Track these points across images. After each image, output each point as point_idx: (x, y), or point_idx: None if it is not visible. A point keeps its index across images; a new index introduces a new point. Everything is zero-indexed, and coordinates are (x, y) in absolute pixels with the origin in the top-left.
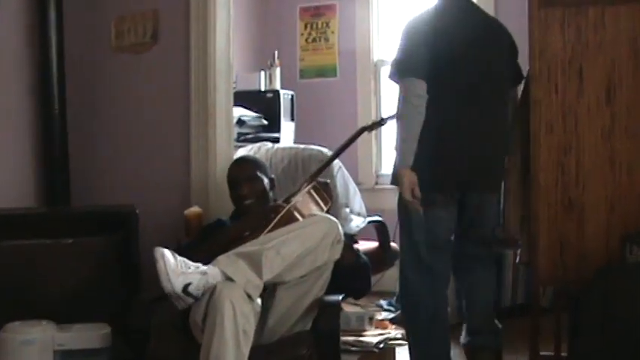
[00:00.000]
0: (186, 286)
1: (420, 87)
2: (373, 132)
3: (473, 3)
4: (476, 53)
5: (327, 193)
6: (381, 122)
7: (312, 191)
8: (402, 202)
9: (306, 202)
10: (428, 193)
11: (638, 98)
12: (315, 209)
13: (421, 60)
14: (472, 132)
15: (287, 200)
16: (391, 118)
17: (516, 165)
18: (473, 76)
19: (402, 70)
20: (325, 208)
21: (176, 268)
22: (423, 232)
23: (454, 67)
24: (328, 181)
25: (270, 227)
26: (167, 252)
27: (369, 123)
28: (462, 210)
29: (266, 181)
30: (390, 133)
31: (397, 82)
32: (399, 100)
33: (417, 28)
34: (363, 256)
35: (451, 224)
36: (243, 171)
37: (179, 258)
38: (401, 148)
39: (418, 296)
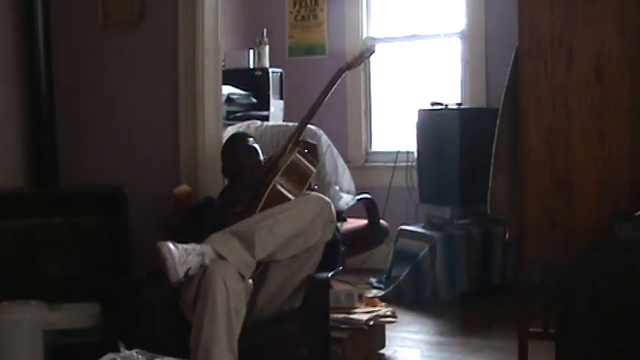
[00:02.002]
0: (186, 272)
1: None
2: (363, 110)
3: None
4: None
5: (312, 153)
6: (366, 54)
7: (299, 156)
8: None
9: (293, 170)
10: None
11: (626, 75)
12: (303, 176)
13: None
14: None
15: (274, 164)
16: (372, 51)
17: (506, 141)
18: None
19: None
20: (314, 170)
21: (180, 259)
22: None
23: None
24: (313, 142)
25: (261, 205)
26: (171, 245)
27: (349, 61)
28: None
29: (262, 157)
30: (380, 109)
31: None
32: None
33: None
34: (337, 233)
35: None
36: (244, 141)
37: (180, 246)
38: None
39: None
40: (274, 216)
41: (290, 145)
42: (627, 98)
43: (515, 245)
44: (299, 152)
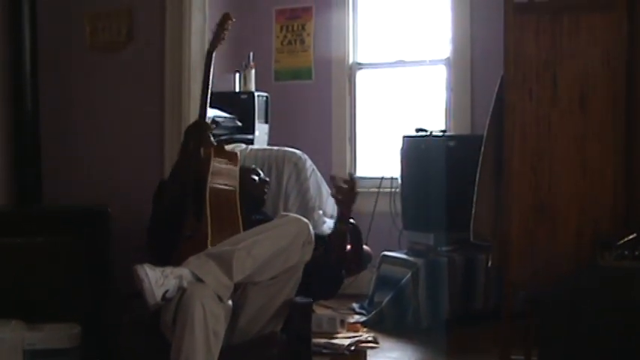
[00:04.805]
0: (164, 294)
1: None
2: (347, 135)
3: None
4: None
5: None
6: (222, 25)
7: (218, 159)
8: None
9: (220, 173)
10: None
11: (610, 106)
12: (231, 175)
13: None
14: None
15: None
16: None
17: (489, 168)
18: None
19: None
20: (237, 165)
21: (157, 281)
22: None
23: None
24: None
25: (209, 216)
26: (148, 268)
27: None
28: None
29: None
30: (365, 135)
31: None
32: None
33: None
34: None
35: None
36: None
37: (157, 269)
38: None
39: None
40: (252, 237)
41: (202, 151)
42: (610, 128)
43: (497, 272)
44: (215, 155)
